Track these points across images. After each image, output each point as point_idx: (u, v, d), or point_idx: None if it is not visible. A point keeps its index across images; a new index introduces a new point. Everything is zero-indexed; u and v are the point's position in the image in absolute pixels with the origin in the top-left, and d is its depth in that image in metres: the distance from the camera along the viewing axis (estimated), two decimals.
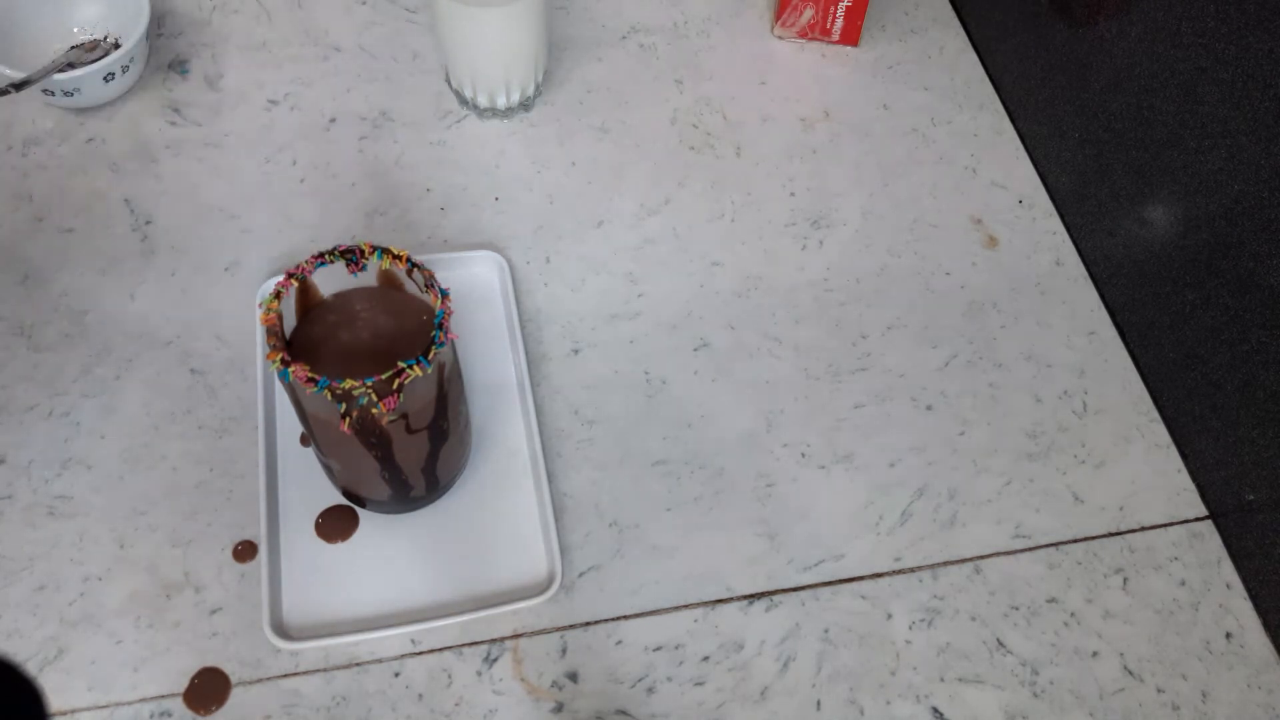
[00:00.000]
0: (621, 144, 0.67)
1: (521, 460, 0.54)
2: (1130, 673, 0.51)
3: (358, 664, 0.49)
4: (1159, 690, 0.51)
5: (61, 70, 0.61)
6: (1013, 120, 0.70)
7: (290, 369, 0.41)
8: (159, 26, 0.70)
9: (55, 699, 0.47)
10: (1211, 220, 0.54)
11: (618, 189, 0.65)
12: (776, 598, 0.52)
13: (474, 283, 0.60)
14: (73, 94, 0.62)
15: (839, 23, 0.71)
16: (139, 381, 0.56)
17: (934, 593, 0.52)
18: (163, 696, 0.47)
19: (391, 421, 0.43)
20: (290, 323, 0.45)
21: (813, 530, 0.54)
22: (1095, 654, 0.51)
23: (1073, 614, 0.52)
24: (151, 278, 0.59)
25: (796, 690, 0.49)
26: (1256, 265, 0.51)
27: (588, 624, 0.50)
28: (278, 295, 0.43)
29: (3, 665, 0.29)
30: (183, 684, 0.48)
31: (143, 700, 0.47)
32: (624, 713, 0.48)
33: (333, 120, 0.66)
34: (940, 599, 0.52)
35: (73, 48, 0.66)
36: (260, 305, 0.57)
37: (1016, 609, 0.52)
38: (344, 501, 0.52)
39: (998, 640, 0.51)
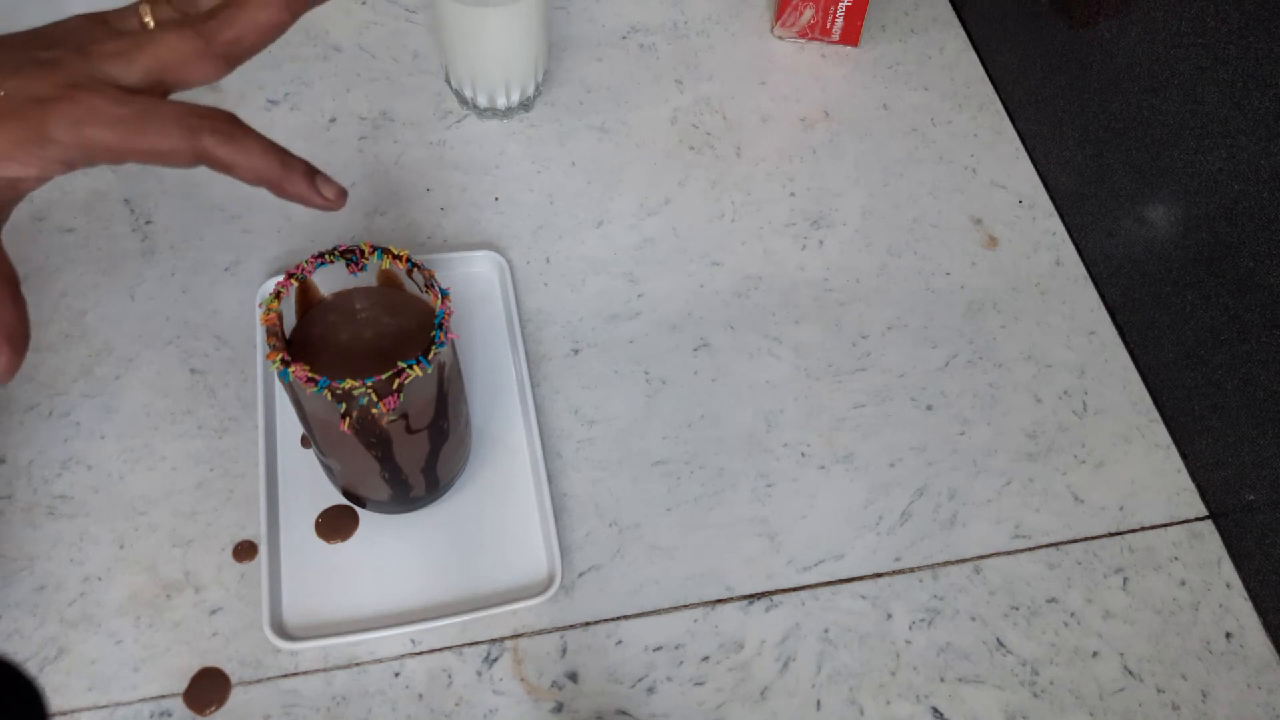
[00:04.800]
0: (621, 144, 0.67)
1: (521, 460, 0.54)
2: (1130, 673, 0.51)
3: (358, 664, 0.49)
4: (1159, 690, 0.51)
5: None
6: (1013, 120, 0.70)
7: (290, 369, 0.41)
8: None
9: (55, 699, 0.47)
10: (1211, 220, 0.54)
11: (618, 189, 0.65)
12: (776, 598, 0.52)
13: (474, 283, 0.60)
14: None
15: (839, 23, 0.71)
16: (139, 381, 0.56)
17: (934, 593, 0.52)
18: (163, 696, 0.47)
19: (391, 421, 0.43)
20: (290, 322, 0.45)
21: (813, 530, 0.54)
22: (1095, 654, 0.51)
23: (1073, 614, 0.52)
24: (151, 278, 0.59)
25: (796, 690, 0.49)
26: (1256, 265, 0.51)
27: (588, 624, 0.50)
28: (278, 295, 0.43)
29: (3, 665, 0.29)
30: (183, 684, 0.48)
31: (143, 700, 0.47)
32: (624, 713, 0.49)
33: (333, 120, 0.66)
34: (940, 599, 0.52)
35: None
36: (260, 305, 0.57)
37: (1016, 609, 0.52)
38: (344, 501, 0.52)
39: (998, 640, 0.51)
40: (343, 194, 0.39)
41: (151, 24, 0.37)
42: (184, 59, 0.36)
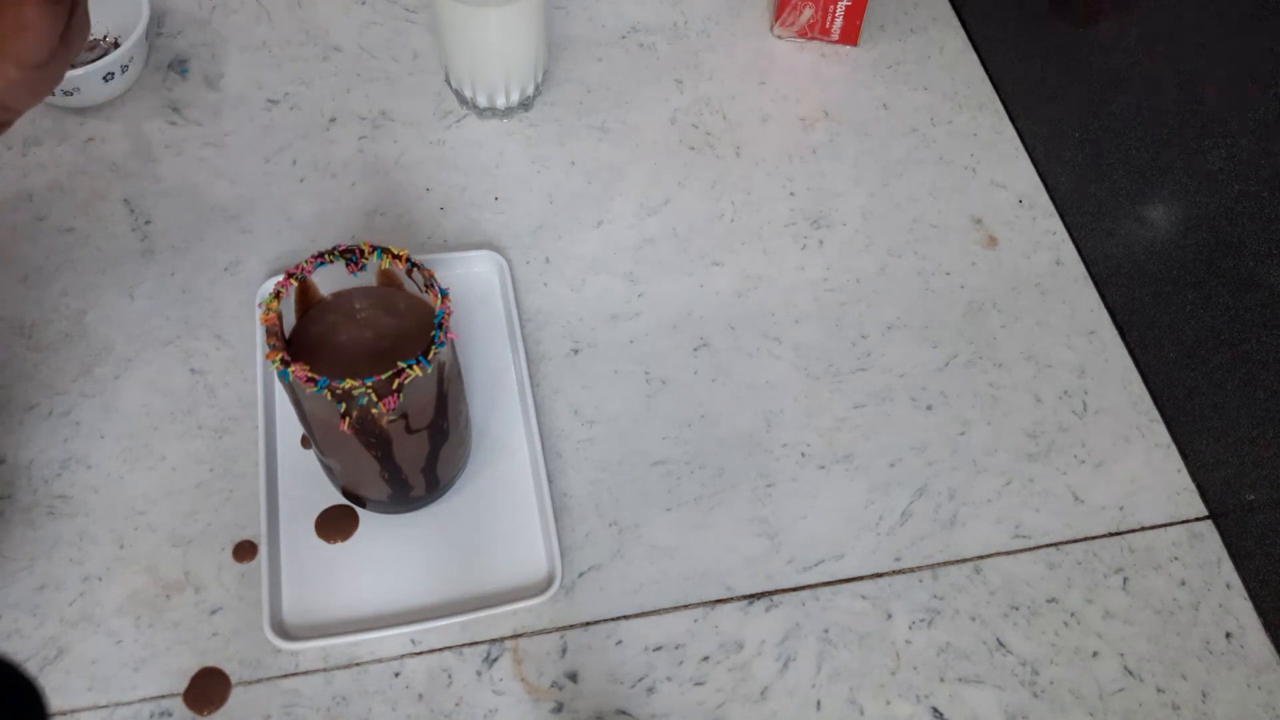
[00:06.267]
0: (621, 144, 0.67)
1: (521, 460, 0.54)
2: (1130, 673, 0.51)
3: (358, 664, 0.49)
4: (1159, 690, 0.51)
5: None
6: (1013, 120, 0.70)
7: (290, 369, 0.41)
8: (158, 26, 0.70)
9: (55, 699, 0.47)
10: (1211, 220, 0.54)
11: (618, 189, 0.65)
12: (776, 598, 0.52)
13: (474, 283, 0.60)
14: (72, 94, 0.62)
15: (838, 22, 0.71)
16: (139, 381, 0.56)
17: (934, 593, 0.52)
18: (163, 696, 0.47)
19: (391, 421, 0.43)
20: (290, 322, 0.45)
21: (813, 530, 0.54)
22: (1095, 654, 0.51)
23: (1073, 614, 0.52)
24: (151, 278, 0.59)
25: (796, 690, 0.49)
26: (1256, 265, 0.51)
27: (588, 624, 0.50)
28: (278, 295, 0.43)
29: (3, 665, 0.29)
30: (183, 684, 0.48)
31: (143, 700, 0.47)
32: (624, 713, 0.48)
33: (333, 120, 0.66)
34: (940, 599, 0.52)
35: None
36: (260, 305, 0.57)
37: (1016, 609, 0.52)
38: (344, 501, 0.52)
39: (998, 640, 0.51)
40: None
41: None
42: None
